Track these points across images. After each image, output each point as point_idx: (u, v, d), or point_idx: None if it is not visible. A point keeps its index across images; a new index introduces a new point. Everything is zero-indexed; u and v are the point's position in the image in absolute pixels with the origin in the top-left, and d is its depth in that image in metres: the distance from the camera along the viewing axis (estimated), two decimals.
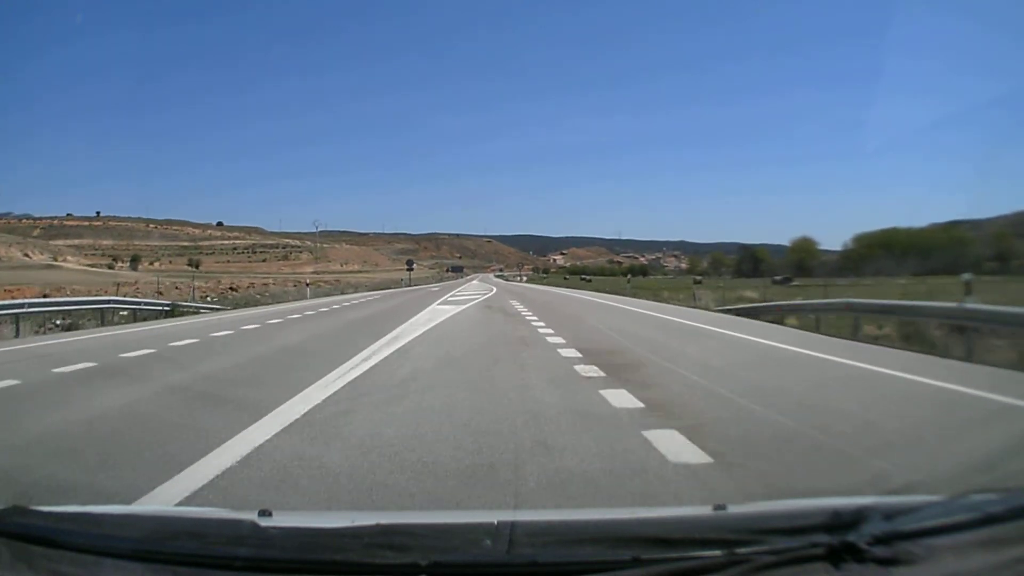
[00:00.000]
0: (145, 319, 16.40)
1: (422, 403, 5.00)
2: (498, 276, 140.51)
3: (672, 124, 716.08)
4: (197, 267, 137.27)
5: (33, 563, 1.17)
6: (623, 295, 31.07)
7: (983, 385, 5.73)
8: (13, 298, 18.27)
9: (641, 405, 4.81)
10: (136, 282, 54.32)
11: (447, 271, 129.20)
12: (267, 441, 3.82)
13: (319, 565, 1.14)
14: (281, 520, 1.42)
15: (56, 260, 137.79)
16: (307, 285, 36.20)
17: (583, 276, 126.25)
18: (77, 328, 13.88)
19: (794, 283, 47.53)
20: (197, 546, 1.21)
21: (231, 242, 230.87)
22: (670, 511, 1.96)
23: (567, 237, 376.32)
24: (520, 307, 19.48)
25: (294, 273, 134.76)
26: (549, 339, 9.93)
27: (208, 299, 27.41)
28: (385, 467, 3.33)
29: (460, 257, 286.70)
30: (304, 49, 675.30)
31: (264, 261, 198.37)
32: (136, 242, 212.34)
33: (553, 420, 4.36)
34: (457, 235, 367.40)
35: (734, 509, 1.48)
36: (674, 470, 3.24)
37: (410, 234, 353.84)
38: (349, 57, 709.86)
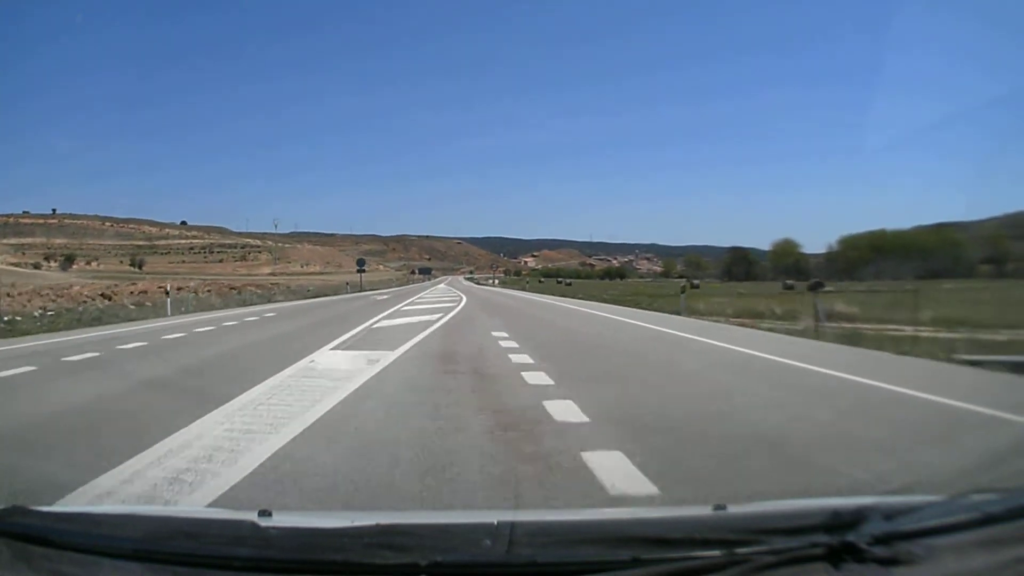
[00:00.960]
0: None
1: None
2: (468, 279, 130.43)
3: (643, 125, 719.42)
4: (140, 267, 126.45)
5: (33, 563, 1.16)
6: (630, 305, 22.90)
7: None
8: None
9: None
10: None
11: (412, 273, 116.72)
12: None
13: (319, 565, 1.13)
14: (281, 520, 1.40)
15: None
16: (167, 294, 20.54)
17: (560, 279, 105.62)
18: None
19: (827, 289, 38.50)
20: (197, 546, 1.20)
21: (188, 241, 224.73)
22: (670, 511, 1.90)
23: (538, 239, 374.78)
24: (508, 340, 10.20)
25: (248, 274, 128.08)
26: None
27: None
28: None
29: (429, 259, 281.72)
30: (275, 49, 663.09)
31: (221, 262, 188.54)
32: (89, 241, 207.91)
33: None
34: (427, 237, 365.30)
35: (734, 509, 1.44)
36: None
37: (379, 235, 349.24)
38: (319, 58, 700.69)
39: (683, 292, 20.01)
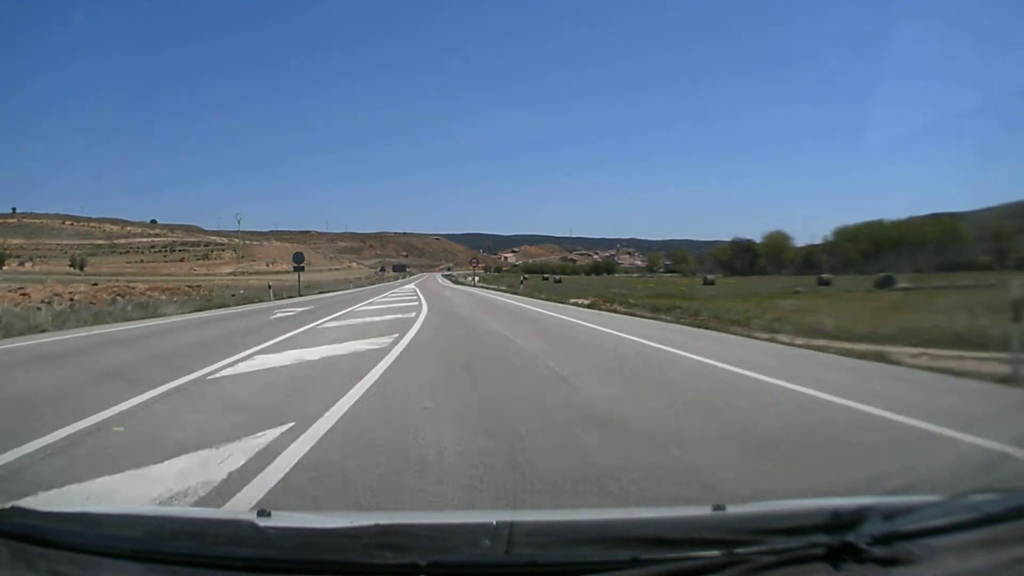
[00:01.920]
0: None
1: None
2: (446, 275, 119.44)
3: (621, 118, 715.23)
4: (81, 268, 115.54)
5: (32, 563, 1.15)
6: (675, 317, 14.68)
7: None
8: None
9: None
10: None
11: (381, 270, 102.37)
12: None
13: (318, 565, 1.12)
14: (280, 520, 1.38)
15: None
16: None
17: (547, 275, 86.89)
18: None
19: (901, 285, 28.63)
20: (196, 546, 1.18)
21: (150, 240, 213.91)
22: (670, 511, 1.83)
23: (518, 235, 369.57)
24: None
25: (208, 274, 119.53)
26: None
27: None
28: None
29: (407, 255, 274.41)
30: (247, 45, 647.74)
31: (182, 260, 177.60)
32: (47, 241, 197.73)
33: None
34: (404, 233, 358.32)
35: (733, 509, 1.42)
36: None
37: (356, 233, 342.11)
38: (294, 54, 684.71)
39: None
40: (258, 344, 9.60)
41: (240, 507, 2.86)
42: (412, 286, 50.69)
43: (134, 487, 3.12)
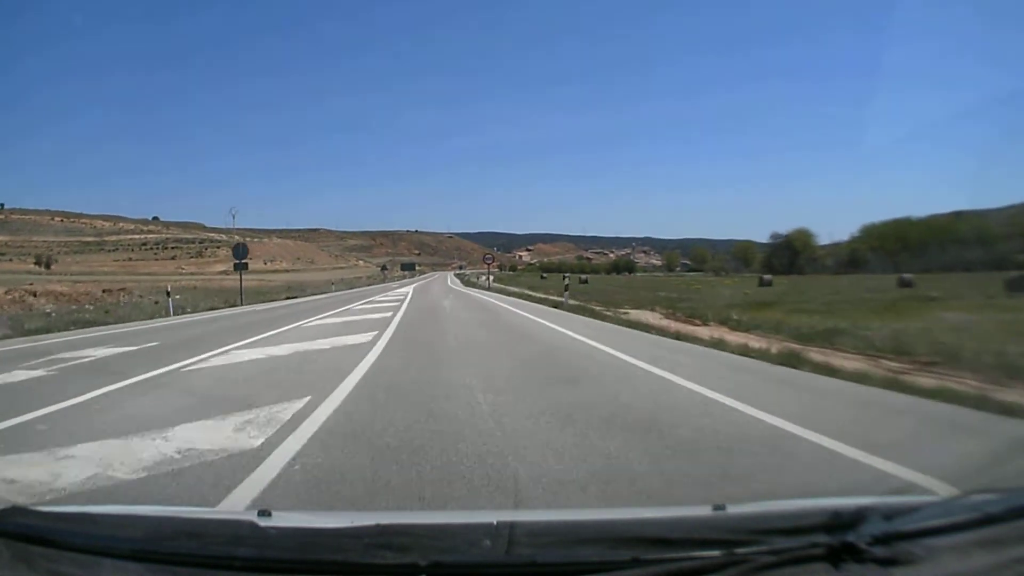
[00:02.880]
0: None
1: None
2: (457, 274, 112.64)
3: (637, 120, 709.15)
4: (48, 267, 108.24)
5: (33, 563, 1.14)
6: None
7: None
8: None
9: None
10: None
11: (383, 269, 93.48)
12: None
13: (318, 565, 1.10)
14: (280, 520, 1.37)
15: None
16: None
17: (569, 274, 65.43)
18: None
19: None
20: (196, 546, 1.17)
21: (142, 237, 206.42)
22: (669, 511, 1.80)
23: (533, 234, 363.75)
24: None
25: (196, 273, 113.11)
26: None
27: None
28: None
29: (419, 254, 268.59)
30: (271, 47, 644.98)
31: (173, 259, 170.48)
32: (33, 238, 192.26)
33: None
34: (416, 231, 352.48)
35: (733, 509, 1.41)
36: None
37: (367, 231, 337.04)
38: (311, 56, 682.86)
39: None
40: None
41: None
42: (408, 289, 40.13)
43: None
